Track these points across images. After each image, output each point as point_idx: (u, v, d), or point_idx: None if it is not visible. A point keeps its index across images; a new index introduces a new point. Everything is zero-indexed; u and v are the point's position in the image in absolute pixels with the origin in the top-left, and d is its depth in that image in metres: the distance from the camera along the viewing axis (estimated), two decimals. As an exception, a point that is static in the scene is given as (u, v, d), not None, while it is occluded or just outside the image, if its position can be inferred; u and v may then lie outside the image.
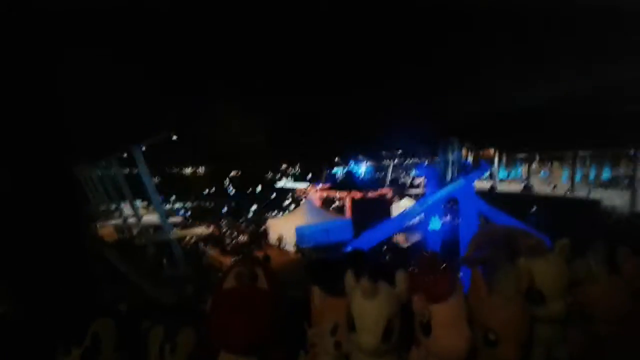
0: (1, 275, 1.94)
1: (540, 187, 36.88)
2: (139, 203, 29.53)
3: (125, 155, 26.35)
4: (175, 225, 29.68)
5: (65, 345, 1.60)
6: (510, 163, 44.06)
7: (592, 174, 37.16)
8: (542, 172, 41.29)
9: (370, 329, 1.46)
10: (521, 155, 42.30)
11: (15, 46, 2.24)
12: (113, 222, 31.16)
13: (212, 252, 25.77)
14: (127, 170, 29.54)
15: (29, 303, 1.74)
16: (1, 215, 2.06)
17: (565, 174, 37.80)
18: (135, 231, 29.16)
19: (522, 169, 42.35)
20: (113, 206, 33.10)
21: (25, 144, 2.17)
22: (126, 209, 30.55)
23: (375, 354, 1.50)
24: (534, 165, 41.41)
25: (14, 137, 2.14)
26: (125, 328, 1.71)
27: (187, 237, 28.43)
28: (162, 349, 1.76)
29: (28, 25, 2.32)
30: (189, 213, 40.28)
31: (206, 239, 28.65)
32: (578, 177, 35.80)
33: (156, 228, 27.79)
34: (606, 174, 36.60)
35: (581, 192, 32.63)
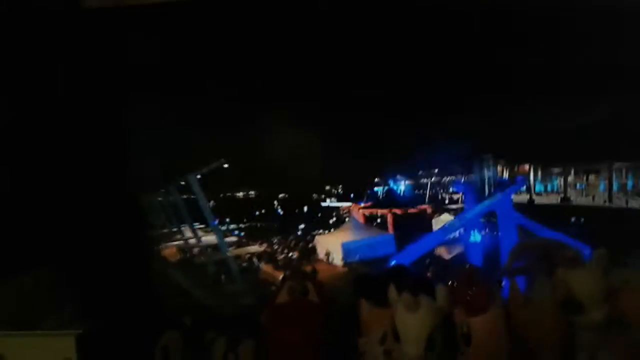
0: (79, 297, 2.01)
1: (578, 198, 35.75)
2: (197, 225, 30.04)
3: (182, 182, 27.04)
4: (230, 244, 30.05)
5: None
6: (546, 177, 42.93)
7: (629, 184, 35.80)
8: (578, 184, 40.04)
9: (413, 340, 1.46)
10: (556, 170, 41.17)
11: (90, 84, 2.36)
12: (175, 243, 31.78)
13: (265, 267, 25.95)
14: (185, 196, 30.16)
15: (105, 321, 1.80)
16: (80, 239, 2.15)
17: (602, 185, 36.56)
18: (195, 251, 29.66)
19: (559, 182, 41.16)
20: (174, 229, 33.79)
21: (98, 176, 2.27)
22: (186, 231, 31.15)
23: (420, 363, 1.50)
24: (570, 178, 40.20)
25: (89, 170, 2.24)
26: (191, 339, 1.75)
27: (243, 255, 28.73)
28: (226, 359, 1.79)
29: (106, 65, 2.44)
30: (243, 233, 40.71)
31: (260, 256, 28.89)
32: (615, 187, 34.54)
33: (214, 247, 28.22)
34: (643, 183, 35.20)
35: (619, 202, 31.45)
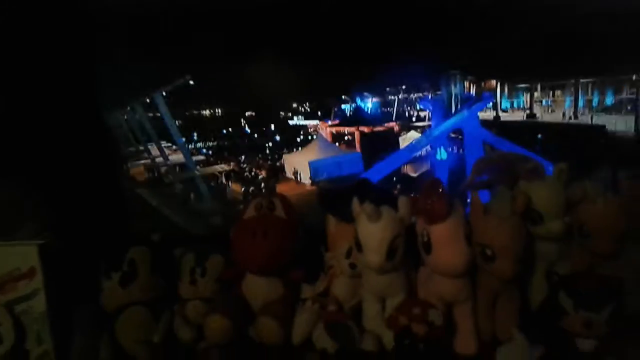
0: (44, 209, 2.00)
1: (544, 115, 36.27)
2: (164, 144, 29.68)
3: (148, 100, 26.38)
4: (198, 163, 29.92)
5: (106, 270, 1.67)
6: (513, 93, 43.17)
7: (595, 100, 36.37)
8: (544, 100, 40.49)
9: (375, 249, 1.50)
10: (523, 85, 41.37)
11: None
12: (143, 162, 31.49)
13: (233, 186, 26.08)
14: (150, 115, 29.57)
15: (69, 234, 1.79)
16: (44, 155, 2.11)
17: (567, 101, 37.05)
18: (163, 170, 29.49)
19: (525, 98, 41.49)
20: (141, 148, 33.37)
21: (61, 91, 2.19)
22: (153, 150, 30.81)
23: (382, 271, 1.56)
24: (536, 94, 40.55)
25: (50, 85, 2.16)
26: (159, 255, 1.77)
27: (210, 174, 28.71)
28: (193, 273, 1.83)
29: None
30: (210, 152, 40.48)
31: (227, 175, 28.94)
32: (581, 103, 35.06)
33: (182, 166, 28.08)
34: (609, 100, 35.78)
35: (585, 119, 32.00)
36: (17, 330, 1.44)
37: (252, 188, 23.96)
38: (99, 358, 1.50)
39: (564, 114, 34.06)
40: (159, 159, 29.72)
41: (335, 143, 32.55)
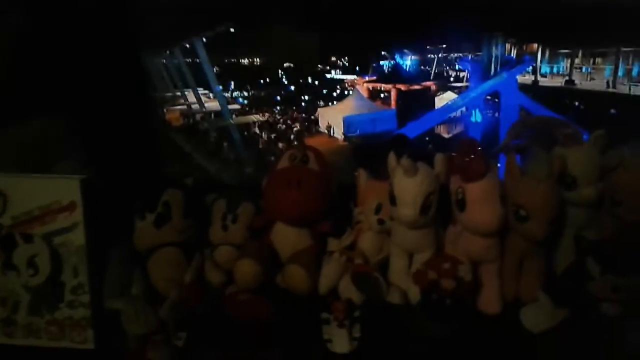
0: (82, 147, 2.03)
1: (583, 82, 34.99)
2: (201, 91, 29.76)
3: (187, 45, 26.34)
4: (234, 112, 30.01)
5: (141, 211, 1.70)
6: (553, 58, 41.65)
7: (635, 70, 34.88)
8: (584, 67, 38.98)
9: (410, 203, 1.48)
10: (564, 51, 39.81)
11: None
12: (178, 107, 31.74)
13: (267, 137, 26.16)
14: (189, 60, 29.54)
15: (107, 173, 1.82)
16: (84, 94, 2.12)
17: (607, 69, 35.62)
18: (198, 117, 29.72)
19: (565, 64, 40.01)
20: (178, 93, 33.58)
21: (101, 31, 2.19)
22: (190, 96, 30.97)
23: (414, 226, 1.54)
24: (577, 61, 39.03)
25: (90, 24, 2.16)
26: (192, 199, 1.79)
27: (245, 123, 28.81)
28: (225, 219, 1.84)
29: None
30: (246, 101, 40.50)
31: (262, 126, 29.01)
32: (621, 72, 33.67)
33: (217, 114, 28.21)
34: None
35: (623, 88, 30.82)
36: (54, 262, 1.48)
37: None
38: (131, 293, 1.54)
39: (608, 83, 32.77)
40: (195, 106, 29.91)
41: (371, 99, 32.14)
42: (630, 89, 30.38)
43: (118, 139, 2.21)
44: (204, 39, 24.82)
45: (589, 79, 36.47)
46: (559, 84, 34.77)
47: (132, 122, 2.33)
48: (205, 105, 29.28)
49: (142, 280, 1.58)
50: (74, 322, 1.49)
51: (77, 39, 2.14)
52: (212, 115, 28.96)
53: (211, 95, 30.41)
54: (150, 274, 1.64)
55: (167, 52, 30.05)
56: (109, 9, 2.25)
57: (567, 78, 36.07)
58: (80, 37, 2.15)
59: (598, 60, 38.24)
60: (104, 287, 1.53)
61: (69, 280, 1.49)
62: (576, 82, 34.80)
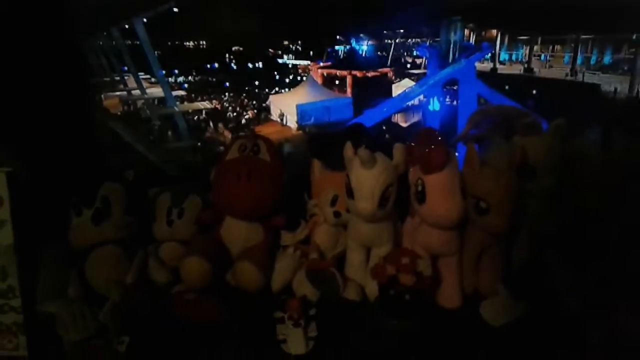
0: (10, 137, 1.95)
1: (541, 70, 36.08)
2: (142, 75, 29.02)
3: (127, 26, 25.63)
4: (178, 98, 29.43)
5: (77, 206, 1.65)
6: (512, 45, 42.79)
7: (593, 58, 36.24)
8: (542, 55, 40.20)
9: (368, 195, 1.50)
10: (523, 38, 40.93)
11: None
12: (118, 93, 30.88)
13: (218, 127, 25.82)
14: (128, 42, 28.75)
15: (38, 165, 1.76)
16: (10, 83, 2.03)
17: (566, 57, 36.87)
18: (139, 103, 29.00)
19: (524, 51, 41.16)
20: (117, 78, 32.68)
21: (28, 11, 2.10)
22: (130, 81, 30.18)
23: (372, 219, 1.57)
24: (536, 48, 40.21)
25: (16, 3, 2.07)
26: (133, 193, 1.75)
27: (191, 111, 28.32)
28: (170, 214, 1.82)
29: None
30: (192, 87, 39.80)
31: (209, 114, 28.59)
32: (579, 60, 34.92)
33: (160, 101, 27.61)
34: (607, 58, 35.69)
35: (584, 76, 31.99)
36: (-21, 263, 1.43)
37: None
38: (67, 295, 1.50)
39: (572, 71, 33.87)
40: (136, 92, 29.15)
41: (326, 86, 32.15)
42: (583, 76, 31.55)
43: (49, 128, 2.13)
44: (145, 19, 24.21)
45: (547, 66, 37.62)
46: (518, 72, 35.73)
47: (65, 110, 2.25)
48: (147, 91, 28.58)
49: (79, 281, 1.55)
50: (4, 328, 1.44)
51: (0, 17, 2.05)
52: (155, 102, 28.32)
53: (153, 80, 29.72)
54: (88, 274, 1.60)
55: (104, 33, 29.15)
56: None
57: (525, 66, 37.10)
58: (4, 16, 2.06)
59: (557, 47, 39.52)
60: (36, 290, 1.48)
61: (-3, 283, 1.44)
62: (535, 69, 35.82)
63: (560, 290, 1.51)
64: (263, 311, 1.56)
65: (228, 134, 23.23)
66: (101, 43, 31.56)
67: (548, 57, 39.30)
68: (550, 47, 39.91)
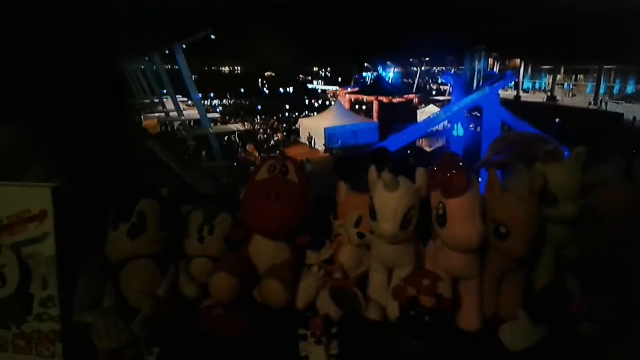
0: (56, 154, 2.00)
1: (564, 99, 35.68)
2: (179, 98, 29.57)
3: (167, 52, 26.24)
4: (213, 121, 29.86)
5: (115, 221, 1.68)
6: (536, 74, 42.43)
7: (616, 88, 35.70)
8: (566, 84, 39.76)
9: (390, 218, 1.49)
10: (546, 67, 40.58)
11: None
12: (156, 115, 31.49)
13: (247, 147, 26.05)
14: (168, 67, 29.40)
15: (80, 181, 1.80)
16: (57, 100, 2.10)
17: (589, 86, 36.41)
18: (176, 125, 29.50)
19: (547, 80, 40.77)
20: (156, 100, 33.36)
21: (75, 35, 2.17)
22: (168, 104, 30.78)
23: (394, 241, 1.55)
24: (559, 77, 39.81)
25: (63, 28, 2.13)
26: (168, 210, 1.77)
27: (224, 133, 28.67)
28: (201, 231, 1.84)
29: None
30: (226, 110, 40.32)
31: (242, 135, 28.89)
32: (602, 89, 34.43)
33: (196, 123, 28.06)
34: (630, 88, 35.11)
35: (608, 105, 31.54)
36: (22, 273, 1.45)
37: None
38: (102, 306, 1.52)
39: (595, 100, 33.36)
40: (174, 114, 29.71)
41: (353, 111, 32.27)
42: (606, 105, 31.07)
43: (91, 146, 2.18)
44: (184, 46, 24.76)
45: (571, 95, 37.17)
46: (541, 100, 35.39)
47: (106, 129, 2.30)
48: (184, 113, 29.10)
49: (114, 293, 1.56)
50: (42, 336, 1.46)
51: (48, 42, 2.12)
52: (191, 124, 28.79)
53: (190, 103, 30.25)
54: (123, 286, 1.62)
55: (146, 58, 29.88)
56: (82, 12, 2.23)
57: (548, 94, 36.71)
58: (52, 41, 2.13)
59: (580, 77, 39.06)
60: (74, 300, 1.50)
61: (38, 292, 1.46)
62: (558, 98, 35.41)
63: (580, 315, 1.47)
64: (287, 328, 1.55)
65: (258, 156, 23.42)
66: (143, 67, 32.30)
67: (571, 86, 38.86)
68: (574, 77, 39.49)
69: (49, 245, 1.45)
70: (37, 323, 1.46)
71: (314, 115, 33.16)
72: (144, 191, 1.80)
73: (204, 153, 24.27)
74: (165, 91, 29.95)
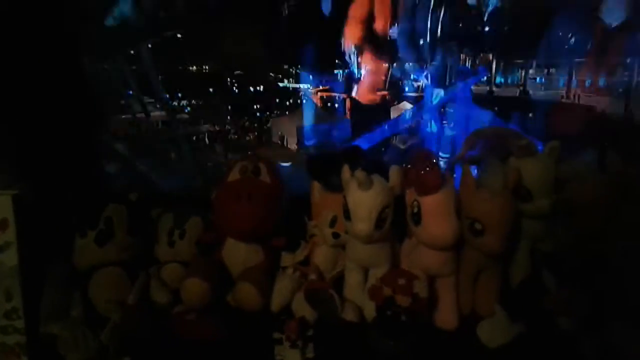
0: (15, 160, 1.95)
1: (537, 92, 36.23)
2: (146, 99, 29.17)
3: (132, 52, 25.88)
4: (182, 121, 29.55)
5: (81, 228, 1.65)
6: (508, 68, 43.06)
7: (588, 81, 36.40)
8: (538, 78, 40.42)
9: (365, 217, 1.50)
10: (518, 61, 41.20)
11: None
12: (122, 116, 31.03)
13: (217, 148, 25.86)
14: (134, 67, 29.00)
15: (42, 187, 1.76)
16: (15, 105, 2.05)
17: (561, 80, 37.07)
18: (143, 126, 29.11)
19: (520, 75, 41.40)
20: (122, 102, 32.88)
21: (38, 37, 2.13)
22: (135, 105, 30.36)
23: (369, 241, 1.56)
24: (531, 71, 40.46)
25: (26, 29, 2.09)
26: (136, 214, 1.75)
27: (193, 133, 28.39)
28: (172, 235, 1.82)
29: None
30: (195, 110, 39.94)
31: (212, 136, 28.65)
32: (574, 83, 35.07)
33: (164, 124, 27.73)
34: (602, 81, 35.83)
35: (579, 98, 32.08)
36: (-17, 285, 1.42)
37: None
38: (70, 316, 1.49)
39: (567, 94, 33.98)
40: (140, 115, 29.30)
41: (325, 109, 32.29)
42: (578, 98, 31.65)
43: (53, 150, 2.13)
44: (150, 45, 24.46)
45: (543, 89, 37.78)
46: (514, 94, 35.86)
47: (70, 132, 2.26)
48: (151, 114, 28.72)
49: (82, 303, 1.54)
50: (7, 349, 1.43)
51: (7, 45, 2.07)
52: (159, 125, 28.44)
53: (157, 104, 29.89)
54: (91, 295, 1.59)
55: (111, 59, 29.43)
56: (44, 12, 2.19)
57: (521, 88, 37.23)
58: (12, 44, 2.08)
59: (552, 70, 39.74)
60: (39, 311, 1.47)
61: (1, 304, 1.43)
62: (530, 92, 35.93)
63: (556, 310, 1.50)
64: (262, 331, 1.55)
65: (229, 156, 23.27)
66: (107, 68, 31.81)
67: (543, 80, 39.50)
68: (545, 71, 40.13)
69: (11, 255, 1.42)
70: (2, 336, 1.44)
71: (285, 114, 33.04)
72: (111, 196, 1.77)
73: (172, 154, 24.01)
74: (131, 92, 29.52)
